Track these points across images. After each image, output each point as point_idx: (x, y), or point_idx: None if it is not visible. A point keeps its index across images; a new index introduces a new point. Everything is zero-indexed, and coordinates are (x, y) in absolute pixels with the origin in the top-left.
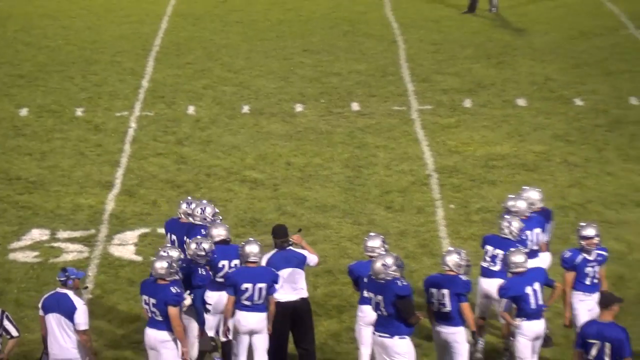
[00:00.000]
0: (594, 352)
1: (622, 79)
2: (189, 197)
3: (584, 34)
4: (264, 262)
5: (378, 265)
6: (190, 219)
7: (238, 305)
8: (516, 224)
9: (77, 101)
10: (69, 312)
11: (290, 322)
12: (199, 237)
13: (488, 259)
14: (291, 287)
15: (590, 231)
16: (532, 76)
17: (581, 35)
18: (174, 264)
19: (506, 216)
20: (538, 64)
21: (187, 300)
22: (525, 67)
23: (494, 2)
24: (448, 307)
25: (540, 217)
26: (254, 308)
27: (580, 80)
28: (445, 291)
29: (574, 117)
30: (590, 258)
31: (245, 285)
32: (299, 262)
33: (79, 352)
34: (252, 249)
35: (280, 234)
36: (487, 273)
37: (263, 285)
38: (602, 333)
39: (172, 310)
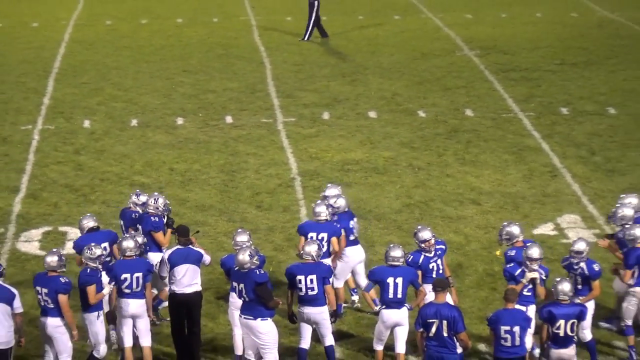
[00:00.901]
0: (433, 329)
1: (459, 94)
2: (138, 190)
3: (425, 55)
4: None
5: (240, 257)
6: (140, 208)
7: (119, 293)
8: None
9: None
10: (9, 299)
11: (185, 311)
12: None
13: None
14: (187, 281)
15: (426, 234)
16: (381, 92)
17: (423, 56)
18: (64, 258)
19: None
20: (386, 81)
21: (106, 290)
22: (375, 83)
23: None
24: (316, 290)
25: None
26: (133, 295)
27: (423, 95)
28: (313, 276)
29: (417, 127)
30: (430, 255)
31: (124, 276)
32: (196, 259)
33: (11, 336)
34: (128, 244)
35: (183, 233)
36: None
37: (139, 274)
38: (439, 312)
39: (62, 298)
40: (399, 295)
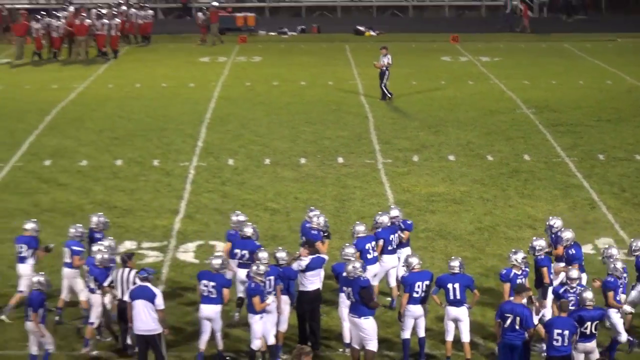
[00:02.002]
0: (508, 322)
1: (518, 142)
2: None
3: (492, 112)
4: (306, 263)
5: (349, 267)
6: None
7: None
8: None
9: (154, 155)
10: (151, 297)
11: (309, 305)
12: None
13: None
14: (313, 282)
15: (519, 256)
16: (458, 140)
17: (490, 113)
18: (226, 262)
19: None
20: (462, 132)
21: (269, 299)
22: (454, 134)
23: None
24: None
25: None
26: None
27: (490, 143)
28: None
29: (486, 167)
30: (519, 273)
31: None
32: (321, 264)
33: (157, 325)
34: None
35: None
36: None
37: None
38: (514, 309)
39: (226, 291)
40: (458, 297)
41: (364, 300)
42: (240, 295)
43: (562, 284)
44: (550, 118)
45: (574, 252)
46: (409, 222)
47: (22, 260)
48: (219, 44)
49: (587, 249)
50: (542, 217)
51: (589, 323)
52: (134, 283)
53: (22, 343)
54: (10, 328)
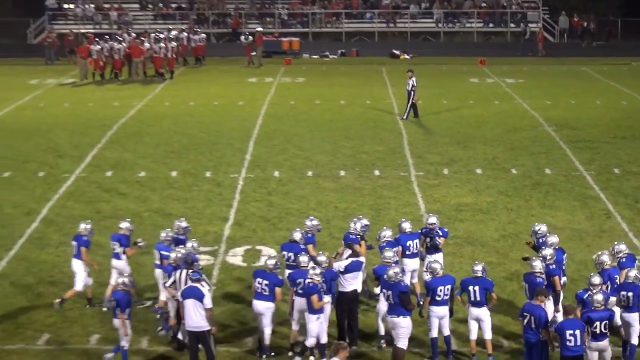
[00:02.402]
0: (525, 321)
1: (540, 157)
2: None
3: (516, 129)
4: (344, 265)
5: (390, 272)
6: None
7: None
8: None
9: (207, 167)
10: (200, 297)
11: (347, 305)
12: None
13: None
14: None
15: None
16: (485, 155)
17: (514, 130)
18: (279, 263)
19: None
20: (488, 148)
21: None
22: (480, 149)
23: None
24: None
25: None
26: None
27: (514, 157)
28: (449, 286)
29: (510, 180)
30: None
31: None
32: (360, 267)
33: (205, 323)
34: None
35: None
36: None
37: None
38: (531, 310)
39: (278, 290)
40: (478, 299)
41: (403, 303)
42: None
43: (585, 290)
44: (570, 135)
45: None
46: (445, 230)
47: (117, 256)
48: (259, 66)
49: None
50: (561, 226)
51: (597, 323)
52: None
53: (85, 337)
54: (75, 324)
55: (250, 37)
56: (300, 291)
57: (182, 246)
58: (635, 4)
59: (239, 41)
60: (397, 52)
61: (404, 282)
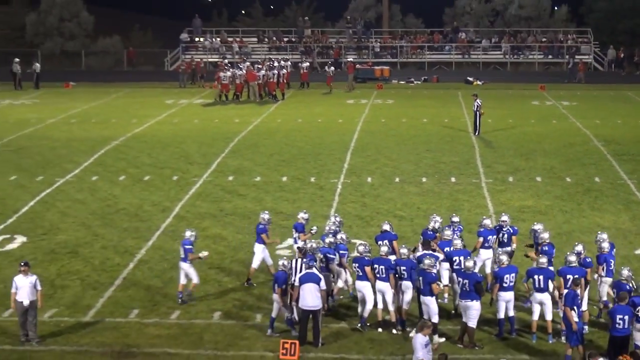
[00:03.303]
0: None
1: (591, 168)
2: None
3: (571, 144)
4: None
5: (468, 264)
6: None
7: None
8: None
9: (312, 174)
10: (317, 281)
11: None
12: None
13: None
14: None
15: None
16: (544, 165)
17: (569, 145)
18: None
19: None
20: (547, 159)
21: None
22: (540, 161)
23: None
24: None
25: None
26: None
27: (569, 168)
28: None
29: (565, 187)
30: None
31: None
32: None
33: (319, 302)
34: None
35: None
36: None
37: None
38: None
39: (391, 274)
40: (542, 286)
41: (477, 291)
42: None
43: (620, 281)
44: (616, 149)
45: (546, 249)
46: (515, 228)
47: (260, 241)
48: (352, 90)
49: None
50: (608, 226)
51: None
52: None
53: (209, 314)
54: (201, 302)
55: (333, 68)
56: (383, 275)
57: (332, 236)
58: None
59: (340, 69)
60: (471, 79)
61: (479, 274)
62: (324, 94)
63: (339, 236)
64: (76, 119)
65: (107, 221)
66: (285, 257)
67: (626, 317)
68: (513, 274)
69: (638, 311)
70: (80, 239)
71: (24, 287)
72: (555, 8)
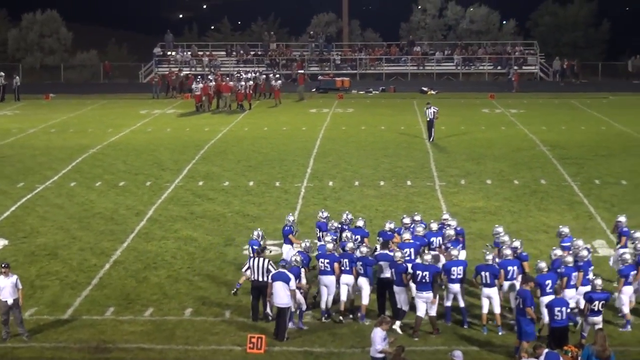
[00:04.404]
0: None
1: (537, 171)
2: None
3: (519, 149)
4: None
5: (426, 257)
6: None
7: None
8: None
9: (277, 178)
10: (287, 280)
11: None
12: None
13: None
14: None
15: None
16: (494, 169)
17: (517, 150)
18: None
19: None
20: (496, 163)
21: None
22: (490, 164)
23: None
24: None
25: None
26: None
27: (517, 171)
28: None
29: (513, 189)
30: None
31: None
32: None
33: (289, 301)
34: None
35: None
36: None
37: None
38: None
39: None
40: (488, 281)
41: (435, 282)
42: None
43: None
44: (561, 153)
45: (509, 251)
46: (461, 228)
47: (287, 241)
48: (302, 100)
49: None
50: (553, 225)
51: (597, 302)
52: (267, 269)
53: (181, 311)
54: (173, 300)
55: (280, 82)
56: (347, 268)
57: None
58: (612, 51)
59: (272, 85)
60: (425, 89)
61: (439, 265)
62: (270, 107)
63: (328, 238)
64: (55, 129)
65: (84, 224)
66: (294, 255)
67: (563, 309)
68: (461, 267)
69: (594, 305)
70: (59, 241)
71: (6, 287)
72: (504, 22)
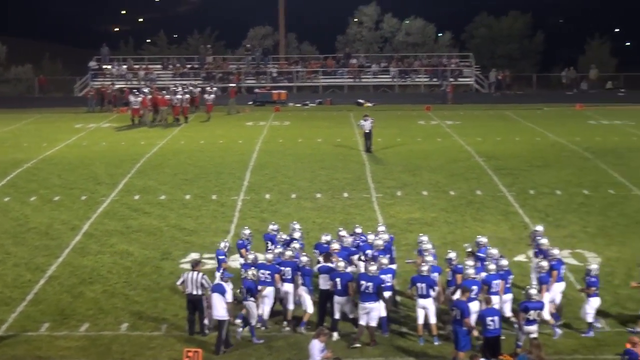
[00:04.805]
0: (452, 315)
1: (473, 182)
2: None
3: (455, 160)
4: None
5: (372, 268)
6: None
7: None
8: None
9: (213, 192)
10: (222, 292)
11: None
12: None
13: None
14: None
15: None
16: (430, 180)
17: (453, 161)
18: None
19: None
20: (432, 175)
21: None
22: (426, 176)
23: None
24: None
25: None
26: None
27: (453, 182)
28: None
29: (450, 200)
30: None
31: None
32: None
33: (226, 314)
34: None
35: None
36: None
37: None
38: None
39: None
40: (425, 292)
41: (379, 293)
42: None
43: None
44: (496, 164)
45: (430, 258)
46: (392, 236)
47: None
48: (235, 113)
49: (520, 257)
50: (489, 235)
51: (532, 312)
52: (201, 283)
53: (117, 326)
54: (108, 315)
55: (213, 96)
56: (288, 277)
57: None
58: (546, 62)
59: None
60: (361, 101)
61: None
62: (202, 122)
63: (293, 245)
64: None
65: (19, 240)
66: (254, 269)
67: (496, 318)
68: (389, 275)
69: (529, 315)
70: None
71: None
72: (440, 35)
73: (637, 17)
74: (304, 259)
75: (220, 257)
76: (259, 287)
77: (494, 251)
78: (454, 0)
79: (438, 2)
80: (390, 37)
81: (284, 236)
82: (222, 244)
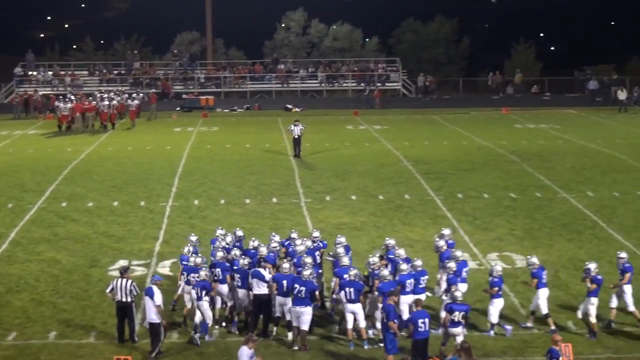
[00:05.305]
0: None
1: (401, 186)
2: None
3: (383, 164)
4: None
5: (305, 272)
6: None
7: None
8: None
9: (142, 198)
10: (151, 295)
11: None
12: None
13: None
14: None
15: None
16: (358, 185)
17: (381, 165)
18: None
19: None
20: (361, 179)
21: None
22: (355, 180)
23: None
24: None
25: None
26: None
27: (381, 187)
28: None
29: (378, 204)
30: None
31: None
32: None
33: (156, 317)
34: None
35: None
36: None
37: None
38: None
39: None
40: (353, 297)
41: (311, 298)
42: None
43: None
44: (424, 168)
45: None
46: (324, 242)
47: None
48: (154, 119)
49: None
50: (418, 239)
51: (457, 313)
52: (130, 290)
53: (45, 334)
54: (36, 323)
55: (137, 102)
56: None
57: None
58: (472, 67)
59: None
60: (290, 106)
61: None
62: (126, 129)
63: (232, 252)
64: None
65: None
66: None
67: (426, 320)
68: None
69: (454, 316)
70: None
71: None
72: (367, 40)
73: (561, 22)
74: (243, 261)
75: (184, 262)
76: (212, 285)
77: (401, 252)
78: (381, 5)
79: (365, 7)
80: (317, 42)
81: (228, 238)
82: (186, 249)
